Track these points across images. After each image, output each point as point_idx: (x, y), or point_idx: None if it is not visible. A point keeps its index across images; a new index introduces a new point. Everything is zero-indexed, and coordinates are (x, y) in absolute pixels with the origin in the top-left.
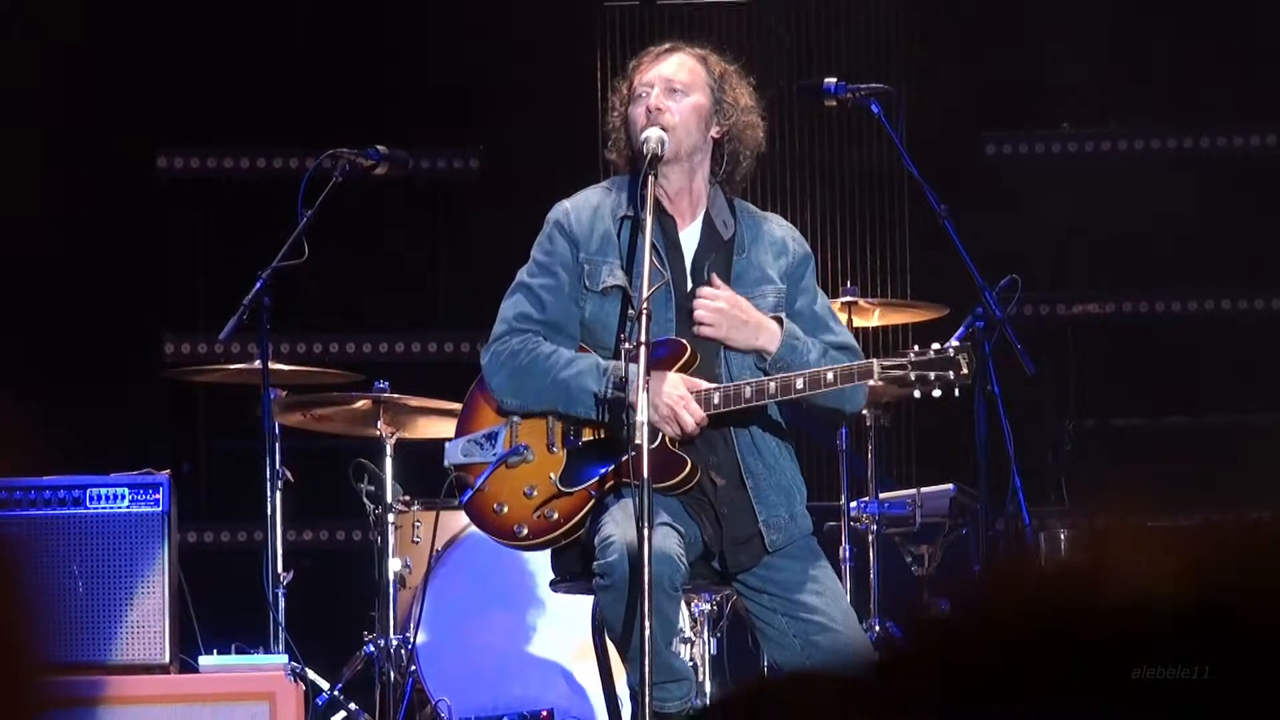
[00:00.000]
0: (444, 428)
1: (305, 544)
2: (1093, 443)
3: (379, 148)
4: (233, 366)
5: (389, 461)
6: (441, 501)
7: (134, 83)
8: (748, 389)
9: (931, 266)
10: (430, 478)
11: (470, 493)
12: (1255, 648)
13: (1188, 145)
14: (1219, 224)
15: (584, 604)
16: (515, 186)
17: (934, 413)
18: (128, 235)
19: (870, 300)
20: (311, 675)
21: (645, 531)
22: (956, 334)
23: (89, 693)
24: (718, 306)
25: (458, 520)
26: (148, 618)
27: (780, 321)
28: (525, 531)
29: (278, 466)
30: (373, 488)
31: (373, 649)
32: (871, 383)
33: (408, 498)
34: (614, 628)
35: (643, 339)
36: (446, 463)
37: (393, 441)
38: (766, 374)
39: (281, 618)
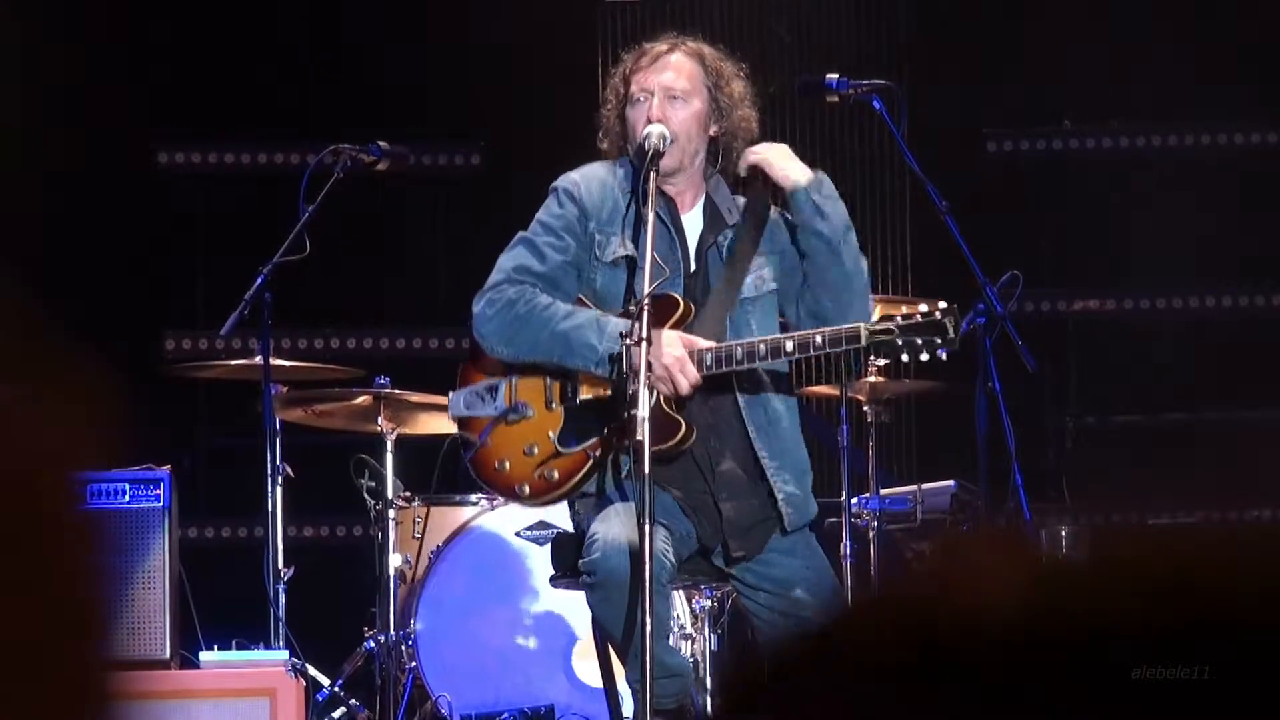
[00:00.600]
0: (445, 424)
1: (306, 540)
2: (1093, 439)
3: (381, 143)
4: (234, 362)
5: (390, 457)
6: (441, 497)
7: (134, 78)
8: (739, 349)
9: (933, 262)
10: (431, 473)
11: (473, 450)
12: (1253, 649)
13: (1189, 143)
14: (1220, 221)
15: (583, 600)
16: (517, 182)
17: (935, 409)
18: (128, 231)
19: (872, 296)
20: (312, 671)
21: (646, 528)
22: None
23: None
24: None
25: (458, 516)
26: (148, 613)
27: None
28: (527, 490)
29: (278, 462)
30: (373, 483)
31: (373, 645)
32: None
33: (408, 493)
34: (605, 625)
35: (644, 335)
36: (450, 415)
37: (393, 437)
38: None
39: (282, 613)
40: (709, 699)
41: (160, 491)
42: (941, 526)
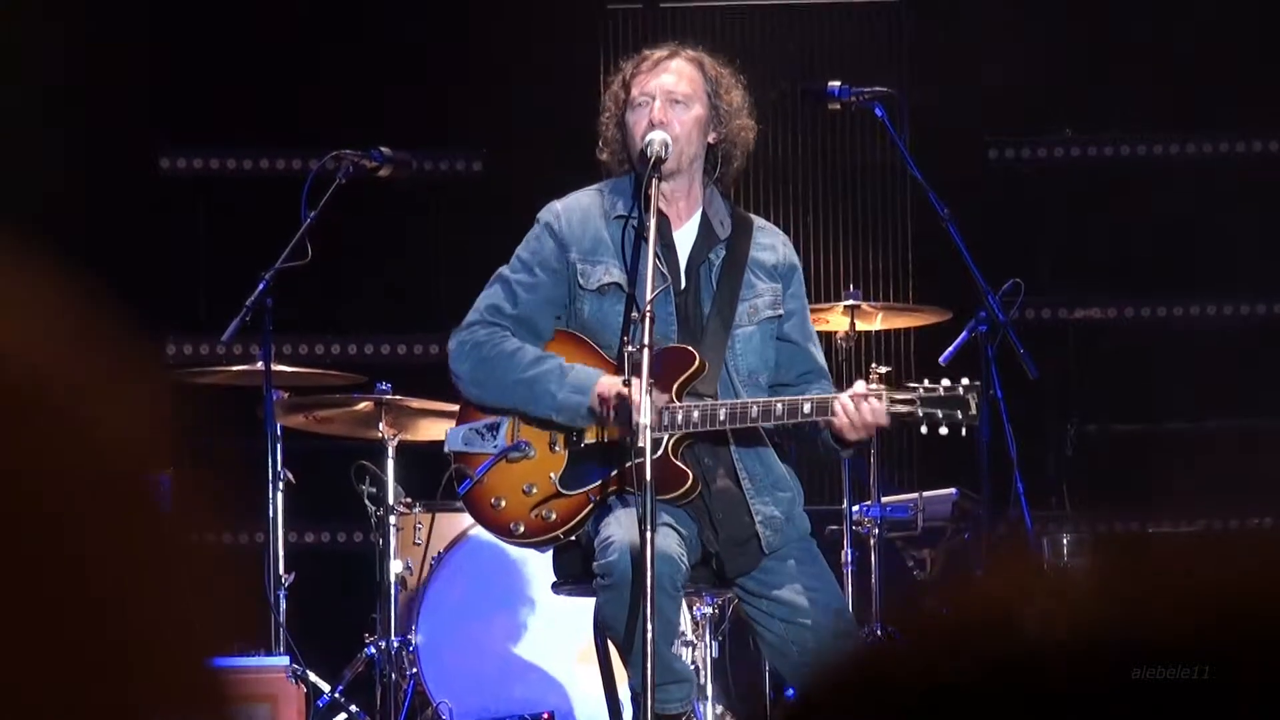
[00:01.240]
0: (446, 430)
1: (307, 545)
2: (1094, 447)
3: (382, 149)
4: (235, 368)
5: (391, 463)
6: (442, 503)
7: (137, 83)
8: (722, 411)
9: (934, 270)
10: (432, 479)
11: (469, 484)
12: (1257, 659)
13: (1190, 151)
14: (1220, 230)
15: (585, 606)
16: (518, 189)
17: None
18: (130, 236)
19: (873, 304)
20: (313, 677)
21: (648, 534)
22: (959, 338)
23: None
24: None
25: (459, 522)
26: None
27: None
28: (521, 529)
29: (279, 468)
30: (374, 489)
31: (374, 651)
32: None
33: (409, 499)
34: (614, 628)
35: (645, 341)
36: (447, 449)
37: (394, 443)
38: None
39: (283, 619)
40: (709, 706)
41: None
42: (945, 537)
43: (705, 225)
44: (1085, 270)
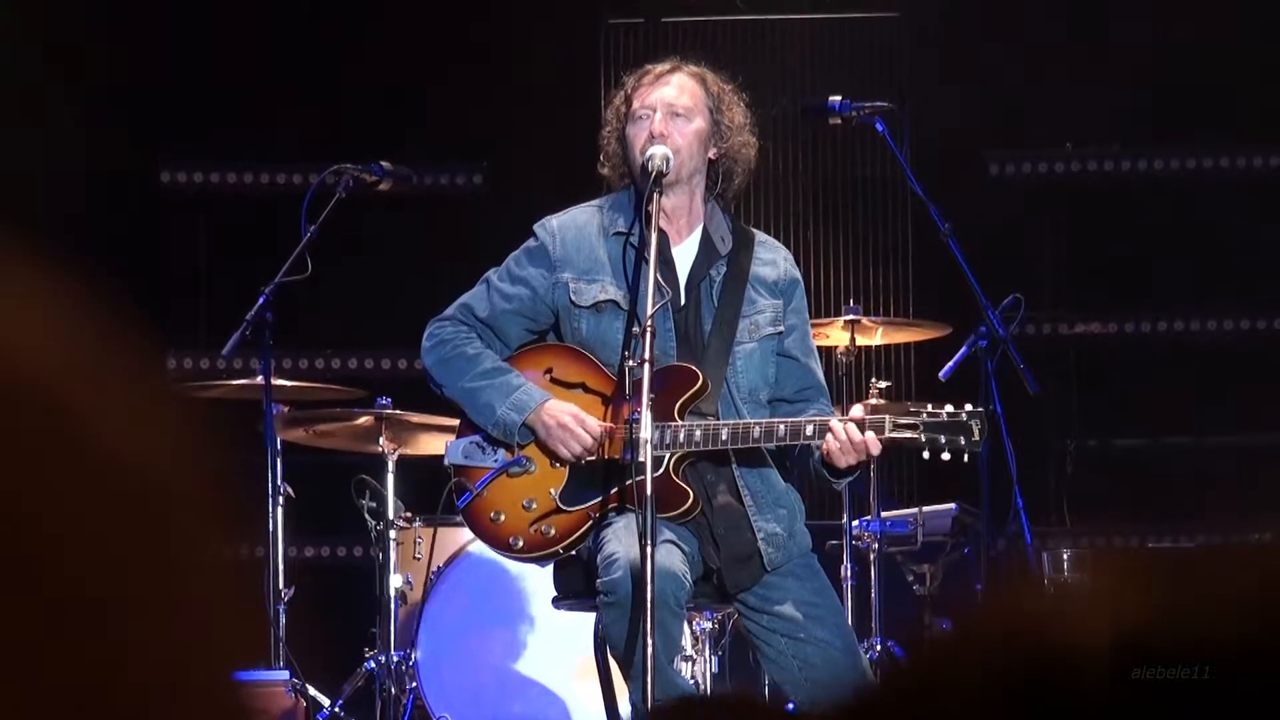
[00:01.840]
0: (446, 444)
1: (307, 560)
2: (1094, 462)
3: (383, 163)
4: (235, 382)
5: (391, 477)
6: (442, 518)
7: (138, 97)
8: (725, 430)
9: (934, 285)
10: (432, 494)
11: (469, 497)
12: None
13: (1189, 165)
14: (1220, 244)
15: (585, 621)
16: (519, 203)
17: None
18: (131, 250)
19: (873, 319)
20: (312, 691)
21: (648, 549)
22: (959, 353)
23: None
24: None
25: (459, 537)
26: None
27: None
28: (520, 544)
29: (279, 482)
30: (374, 504)
31: (373, 665)
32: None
33: (409, 514)
34: (617, 645)
35: (646, 356)
36: (447, 462)
37: (394, 458)
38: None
39: (282, 633)
40: None
41: None
42: (945, 552)
43: (706, 241)
44: (1085, 285)
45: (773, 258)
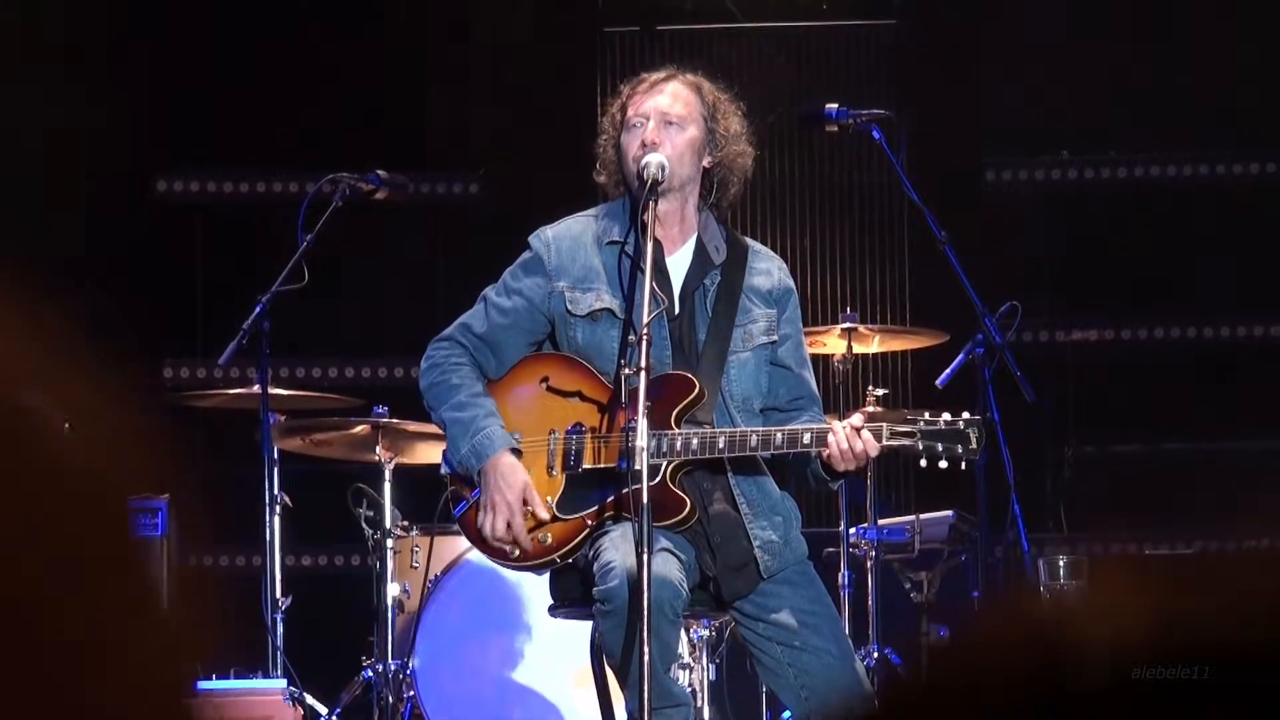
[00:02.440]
0: (442, 452)
1: (304, 569)
2: (1091, 469)
3: (379, 172)
4: (232, 391)
5: (388, 486)
6: (439, 526)
7: (134, 106)
8: (721, 439)
9: (932, 293)
10: (429, 503)
11: (465, 505)
12: (1252, 683)
13: (1187, 172)
14: (1218, 251)
15: (582, 630)
16: (516, 211)
17: None
18: (127, 259)
19: (870, 326)
20: (310, 700)
21: (645, 558)
22: (956, 360)
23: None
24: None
25: (456, 546)
26: None
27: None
28: (517, 553)
29: (276, 491)
30: (371, 513)
31: (371, 674)
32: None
33: (406, 523)
34: (614, 653)
35: (643, 364)
36: (442, 471)
37: (391, 466)
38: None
39: (280, 642)
40: None
41: (158, 520)
42: (942, 559)
43: (700, 251)
44: (1082, 292)
45: (767, 267)
